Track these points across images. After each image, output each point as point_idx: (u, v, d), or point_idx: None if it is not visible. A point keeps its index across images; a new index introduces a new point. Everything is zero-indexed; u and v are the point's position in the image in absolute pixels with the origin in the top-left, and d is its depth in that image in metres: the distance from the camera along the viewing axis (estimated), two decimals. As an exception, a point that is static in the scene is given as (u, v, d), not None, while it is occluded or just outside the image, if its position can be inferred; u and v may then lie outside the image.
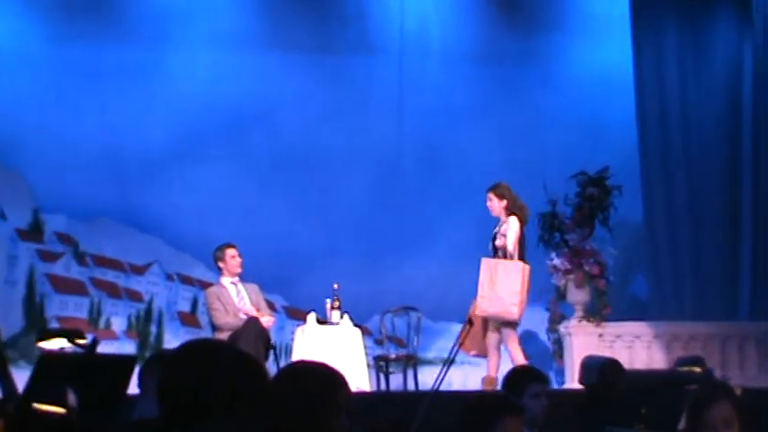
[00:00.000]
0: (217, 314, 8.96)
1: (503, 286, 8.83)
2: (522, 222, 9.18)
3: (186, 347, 2.55)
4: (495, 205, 9.25)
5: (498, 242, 9.10)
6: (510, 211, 9.18)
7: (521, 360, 8.81)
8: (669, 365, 9.18)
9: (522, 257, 9.11)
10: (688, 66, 11.85)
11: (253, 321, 8.65)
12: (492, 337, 9.03)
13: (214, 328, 9.05)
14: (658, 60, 11.80)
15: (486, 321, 9.02)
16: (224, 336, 8.67)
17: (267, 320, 8.92)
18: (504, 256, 9.07)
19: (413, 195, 11.43)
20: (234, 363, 2.45)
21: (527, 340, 11.34)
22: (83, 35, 10.95)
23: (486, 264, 9.00)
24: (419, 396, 8.06)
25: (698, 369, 7.87)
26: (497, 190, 9.29)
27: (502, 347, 9.08)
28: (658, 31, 11.83)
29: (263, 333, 8.59)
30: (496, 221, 9.25)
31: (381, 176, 11.36)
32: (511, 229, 9.09)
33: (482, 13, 11.86)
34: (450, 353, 6.75)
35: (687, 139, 11.70)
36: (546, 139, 11.61)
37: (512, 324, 9.01)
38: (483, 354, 9.14)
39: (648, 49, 11.81)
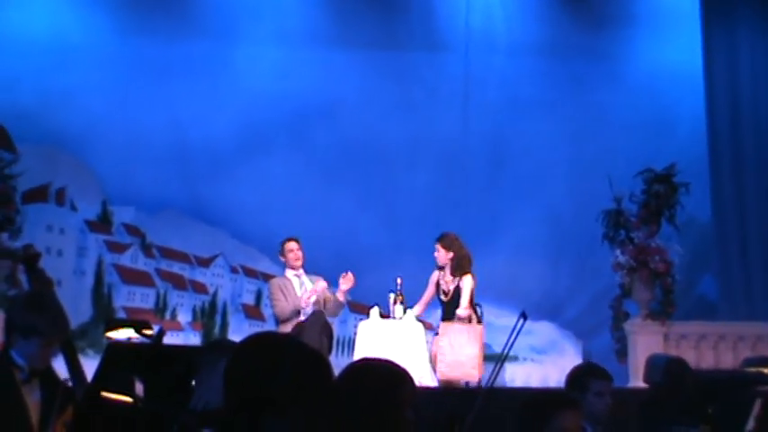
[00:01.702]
0: (278, 303, 9.03)
1: (463, 351, 8.92)
2: (474, 277, 9.24)
3: (250, 340, 2.56)
4: (442, 256, 9.34)
5: (461, 313, 9.03)
6: (459, 263, 9.22)
7: None
8: (736, 366, 9.06)
9: (473, 307, 9.20)
10: (759, 63, 11.65)
11: (317, 315, 8.70)
12: None
13: (277, 320, 9.11)
14: (729, 57, 11.62)
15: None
16: (287, 329, 8.72)
17: (321, 286, 9.00)
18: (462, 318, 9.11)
19: (478, 190, 11.40)
20: (298, 356, 2.46)
21: (591, 339, 11.26)
22: (152, 30, 11.07)
23: (446, 328, 9.07)
24: (478, 391, 8.07)
25: (766, 370, 7.75)
26: (444, 241, 9.36)
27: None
28: (729, 28, 11.65)
29: (326, 326, 8.64)
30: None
31: (446, 171, 11.33)
32: (465, 289, 9.17)
33: (548, 9, 11.77)
34: (504, 348, 6.76)
35: (758, 137, 11.51)
36: (612, 135, 11.50)
37: None
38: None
39: (719, 46, 11.64)
